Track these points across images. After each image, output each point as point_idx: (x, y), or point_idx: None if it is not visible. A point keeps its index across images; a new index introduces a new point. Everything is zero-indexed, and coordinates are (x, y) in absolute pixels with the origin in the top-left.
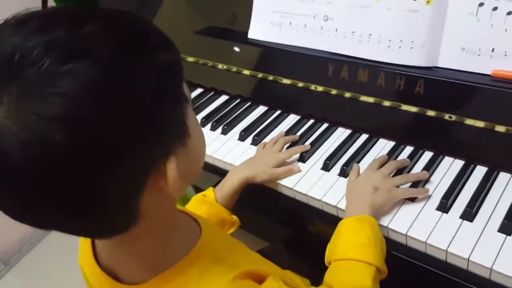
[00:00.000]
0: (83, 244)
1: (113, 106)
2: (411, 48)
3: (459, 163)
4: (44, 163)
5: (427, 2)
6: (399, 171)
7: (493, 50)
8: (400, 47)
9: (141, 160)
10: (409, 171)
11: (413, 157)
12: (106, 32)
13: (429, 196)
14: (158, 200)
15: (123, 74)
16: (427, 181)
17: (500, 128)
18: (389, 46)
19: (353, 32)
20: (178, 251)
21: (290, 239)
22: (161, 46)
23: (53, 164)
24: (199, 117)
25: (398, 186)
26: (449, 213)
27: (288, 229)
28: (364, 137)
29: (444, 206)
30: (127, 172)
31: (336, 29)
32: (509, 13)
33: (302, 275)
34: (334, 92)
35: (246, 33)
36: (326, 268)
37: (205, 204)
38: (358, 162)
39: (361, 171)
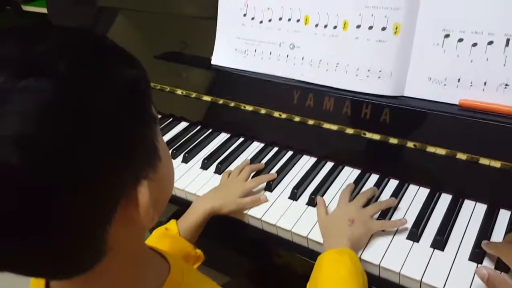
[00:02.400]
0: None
1: (76, 126)
2: (379, 77)
3: (424, 191)
4: None
5: (395, 32)
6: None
7: (459, 80)
8: (368, 76)
9: (109, 187)
10: (376, 200)
11: (379, 186)
12: (64, 47)
13: None
14: (127, 233)
15: (85, 92)
16: (395, 208)
17: (462, 156)
18: (356, 75)
19: (320, 60)
20: None
21: (254, 272)
22: (125, 62)
23: (7, 191)
24: None
25: (372, 216)
26: (420, 242)
27: (253, 261)
28: (329, 165)
29: (415, 235)
30: (93, 201)
31: (303, 57)
32: (474, 45)
33: None
34: (297, 119)
35: (207, 58)
36: None
37: (167, 238)
38: (326, 191)
39: (328, 201)
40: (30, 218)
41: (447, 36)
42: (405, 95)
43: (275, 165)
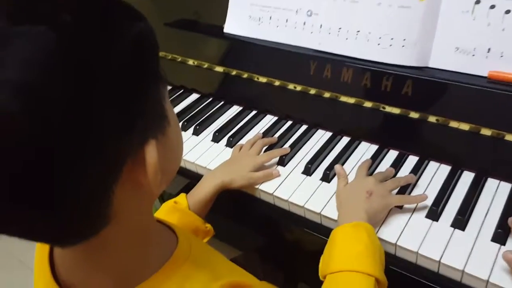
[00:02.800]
0: (39, 261)
1: (79, 78)
2: (403, 46)
3: (445, 168)
4: None
5: None
6: None
7: (489, 50)
8: (390, 45)
9: (115, 145)
10: (394, 176)
11: (398, 162)
12: None
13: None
14: (134, 199)
15: (89, 43)
16: (414, 185)
17: (486, 132)
18: (379, 44)
19: (340, 28)
20: (153, 262)
21: (265, 247)
22: (133, 16)
23: (8, 146)
24: None
25: (390, 191)
26: (440, 221)
27: (263, 237)
28: (345, 140)
29: (435, 213)
30: (99, 159)
31: (321, 25)
32: (507, 12)
33: (278, 285)
34: (313, 92)
35: (219, 27)
36: (304, 278)
37: (176, 212)
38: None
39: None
40: (32, 177)
41: (477, 2)
42: (429, 66)
43: (289, 139)
